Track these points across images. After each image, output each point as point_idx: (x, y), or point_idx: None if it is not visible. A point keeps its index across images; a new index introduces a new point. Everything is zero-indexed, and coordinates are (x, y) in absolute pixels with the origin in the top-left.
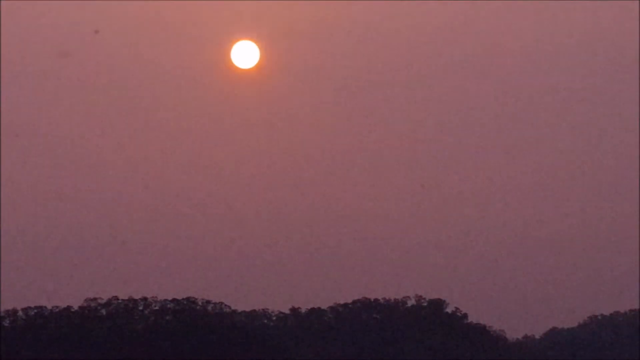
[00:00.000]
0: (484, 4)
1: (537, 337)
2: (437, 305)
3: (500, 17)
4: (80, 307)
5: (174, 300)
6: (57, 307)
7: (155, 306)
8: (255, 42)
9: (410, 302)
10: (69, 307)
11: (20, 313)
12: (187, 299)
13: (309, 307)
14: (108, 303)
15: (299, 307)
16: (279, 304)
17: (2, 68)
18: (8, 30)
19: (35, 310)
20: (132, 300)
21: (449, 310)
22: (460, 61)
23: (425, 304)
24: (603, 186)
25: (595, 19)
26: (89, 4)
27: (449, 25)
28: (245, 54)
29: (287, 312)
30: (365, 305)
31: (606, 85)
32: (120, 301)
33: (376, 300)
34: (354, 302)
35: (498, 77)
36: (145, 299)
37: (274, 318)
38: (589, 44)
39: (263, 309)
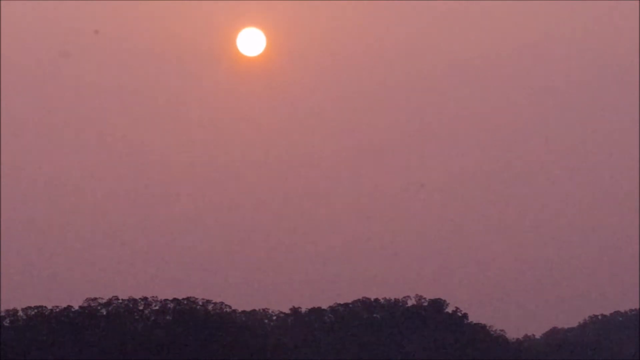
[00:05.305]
0: (484, 4)
1: (537, 337)
2: (437, 305)
3: (500, 17)
4: (80, 307)
5: (174, 300)
6: (57, 307)
7: (155, 306)
8: (262, 29)
9: (410, 302)
10: (69, 307)
11: (20, 313)
12: (187, 299)
13: (309, 307)
14: (108, 303)
15: (299, 307)
16: (279, 304)
17: (2, 68)
18: (8, 30)
19: (35, 310)
20: (132, 300)
21: (449, 310)
22: (462, 60)
23: (425, 304)
24: (603, 186)
25: (595, 19)
26: (89, 4)
27: (452, 24)
28: (251, 42)
29: (287, 312)
30: (365, 305)
31: (606, 85)
32: (120, 301)
33: (376, 300)
34: (354, 302)
35: (498, 77)
36: (145, 299)
37: (274, 318)
38: (589, 44)
39: (263, 309)
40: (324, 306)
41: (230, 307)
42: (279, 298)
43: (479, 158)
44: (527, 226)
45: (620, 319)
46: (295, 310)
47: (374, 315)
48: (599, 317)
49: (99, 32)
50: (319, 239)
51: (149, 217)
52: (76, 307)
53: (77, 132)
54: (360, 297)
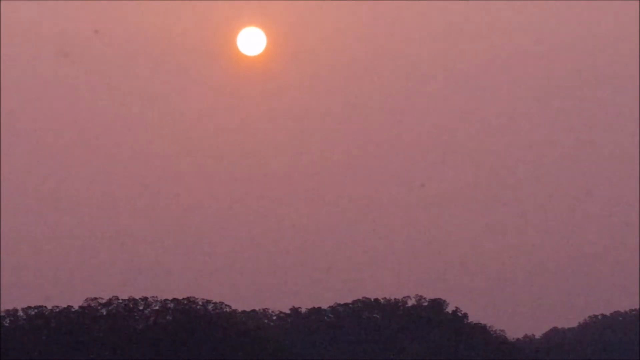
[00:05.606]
0: (484, 4)
1: (537, 337)
2: (437, 305)
3: (500, 17)
4: (80, 307)
5: (174, 300)
6: (57, 307)
7: (155, 306)
8: (262, 28)
9: (410, 302)
10: (69, 307)
11: (20, 313)
12: (187, 299)
13: (309, 307)
14: (108, 303)
15: (299, 307)
16: (279, 304)
17: (2, 68)
18: (8, 30)
19: (35, 310)
20: (132, 300)
21: (449, 310)
22: (463, 62)
23: (425, 304)
24: (603, 186)
25: (595, 19)
26: (89, 4)
27: (453, 25)
28: (251, 41)
29: (287, 312)
30: (365, 305)
31: (606, 85)
32: (120, 301)
33: (376, 300)
34: (354, 302)
35: (498, 78)
36: (145, 299)
37: (274, 318)
38: (589, 44)
39: (263, 309)
40: (324, 306)
41: (230, 307)
42: (279, 298)
43: (479, 158)
44: (527, 226)
45: (620, 319)
46: (295, 310)
47: (374, 315)
48: (599, 317)
49: (99, 32)
50: (319, 239)
51: (149, 217)
52: (76, 307)
53: (76, 132)
54: (360, 297)
